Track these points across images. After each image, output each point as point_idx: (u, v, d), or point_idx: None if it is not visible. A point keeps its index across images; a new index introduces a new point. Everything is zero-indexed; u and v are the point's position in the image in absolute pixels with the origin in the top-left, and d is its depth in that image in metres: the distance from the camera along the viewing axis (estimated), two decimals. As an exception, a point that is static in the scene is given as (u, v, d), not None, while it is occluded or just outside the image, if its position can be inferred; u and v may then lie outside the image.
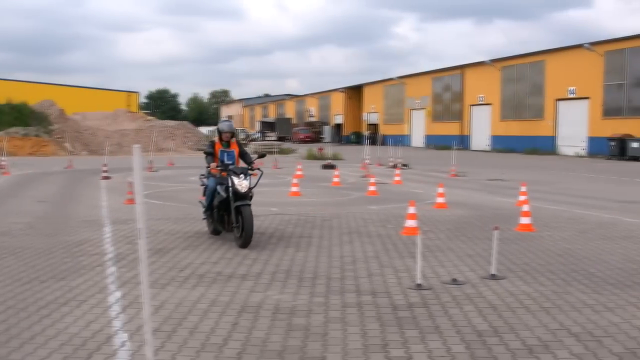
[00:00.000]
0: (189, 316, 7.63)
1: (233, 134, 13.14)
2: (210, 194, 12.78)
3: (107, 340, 6.75)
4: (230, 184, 12.19)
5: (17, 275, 9.76)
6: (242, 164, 13.04)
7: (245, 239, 11.85)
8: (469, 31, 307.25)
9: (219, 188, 12.51)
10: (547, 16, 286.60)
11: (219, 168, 12.60)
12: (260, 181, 13.25)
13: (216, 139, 13.15)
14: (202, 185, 13.49)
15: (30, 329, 7.09)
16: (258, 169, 12.93)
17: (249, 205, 12.15)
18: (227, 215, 12.55)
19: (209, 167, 12.68)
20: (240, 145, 13.30)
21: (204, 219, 13.53)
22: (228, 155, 12.86)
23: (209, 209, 12.97)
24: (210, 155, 12.83)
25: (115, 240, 12.90)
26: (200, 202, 13.65)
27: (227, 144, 13.01)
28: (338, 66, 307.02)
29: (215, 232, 13.31)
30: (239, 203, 12.03)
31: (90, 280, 9.48)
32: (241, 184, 12.17)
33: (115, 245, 12.32)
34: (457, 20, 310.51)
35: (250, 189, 12.34)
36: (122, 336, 6.86)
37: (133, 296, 8.50)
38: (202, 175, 13.50)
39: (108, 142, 53.71)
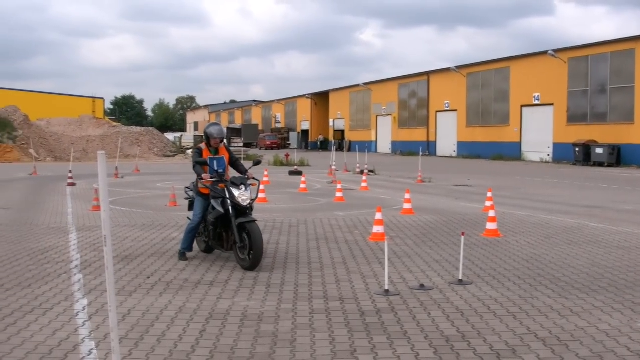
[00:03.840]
0: (157, 323, 7.58)
1: (222, 140, 11.56)
2: (202, 212, 11.39)
3: (74, 348, 6.68)
4: (229, 197, 10.88)
5: (-19, 283, 9.65)
6: (232, 173, 11.69)
7: (254, 261, 10.49)
8: (433, 38, 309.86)
9: (213, 202, 11.14)
10: (510, 23, 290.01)
11: (213, 179, 11.08)
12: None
13: (203, 145, 11.50)
14: (188, 199, 12.32)
15: (-5, 337, 7.01)
16: (254, 178, 11.57)
17: (255, 221, 10.81)
18: (226, 232, 11.21)
19: (201, 178, 11.16)
20: (230, 151, 11.75)
21: (196, 236, 11.94)
22: (218, 163, 11.31)
23: (196, 228, 11.54)
24: (200, 164, 11.21)
25: (81, 247, 12.79)
26: (188, 218, 12.10)
27: (216, 150, 11.47)
28: (302, 72, 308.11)
29: (207, 250, 12.04)
30: (242, 220, 10.69)
31: (56, 287, 9.39)
32: (242, 196, 10.88)
33: (81, 252, 12.22)
34: (421, 27, 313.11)
35: (252, 201, 11.11)
36: (89, 344, 6.80)
37: (99, 304, 8.43)
38: (188, 188, 12.30)
39: (73, 148, 53.28)
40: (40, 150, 58.79)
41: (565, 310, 8.21)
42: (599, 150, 48.09)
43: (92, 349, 6.63)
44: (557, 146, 54.95)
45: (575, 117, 53.75)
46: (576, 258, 11.77)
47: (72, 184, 28.36)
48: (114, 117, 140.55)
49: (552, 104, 56.04)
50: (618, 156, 47.54)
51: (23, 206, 20.65)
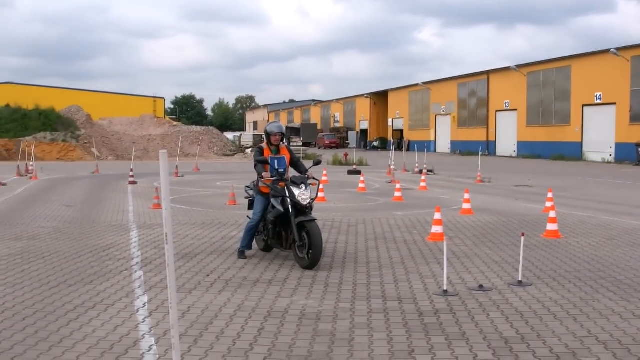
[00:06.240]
0: (215, 321, 7.65)
1: (283, 135, 11.67)
2: (262, 211, 11.42)
3: (134, 344, 6.78)
4: (289, 196, 10.91)
5: (46, 279, 9.84)
6: (292, 173, 11.70)
7: (313, 260, 10.52)
8: (491, 36, 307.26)
9: (273, 201, 11.18)
10: (569, 21, 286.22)
11: (274, 178, 11.16)
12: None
13: (264, 144, 11.66)
14: (248, 197, 12.31)
15: (59, 332, 7.14)
16: (314, 177, 11.57)
17: (315, 220, 10.86)
18: (285, 231, 11.27)
19: (261, 177, 11.21)
20: (291, 151, 11.83)
21: (256, 235, 11.89)
22: (279, 162, 11.36)
23: (256, 227, 11.54)
24: (262, 163, 11.31)
25: (142, 244, 12.97)
26: (248, 217, 11.96)
27: (277, 149, 11.57)
28: (360, 72, 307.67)
29: (266, 249, 12.07)
30: (302, 219, 10.74)
31: (117, 284, 9.54)
32: (303, 195, 10.88)
33: (142, 249, 12.39)
34: (479, 26, 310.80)
35: (312, 200, 11.13)
36: (149, 340, 6.89)
37: (159, 300, 8.54)
38: (248, 187, 12.31)
39: (134, 147, 53.90)
40: (103, 149, 59.70)
41: (627, 314, 8.08)
42: (663, 151, 47.19)
43: (152, 345, 6.72)
44: (619, 146, 54.05)
45: (638, 117, 52.78)
46: (638, 260, 11.57)
47: (133, 182, 28.76)
48: (174, 117, 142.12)
49: (614, 103, 55.15)
50: (682, 157, 46.59)
51: (85, 204, 21.00)
